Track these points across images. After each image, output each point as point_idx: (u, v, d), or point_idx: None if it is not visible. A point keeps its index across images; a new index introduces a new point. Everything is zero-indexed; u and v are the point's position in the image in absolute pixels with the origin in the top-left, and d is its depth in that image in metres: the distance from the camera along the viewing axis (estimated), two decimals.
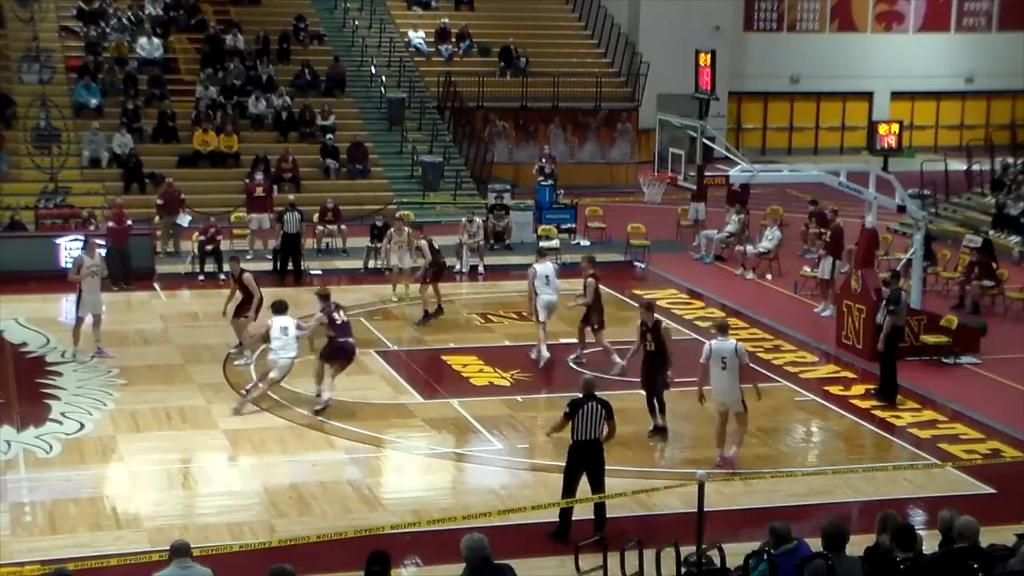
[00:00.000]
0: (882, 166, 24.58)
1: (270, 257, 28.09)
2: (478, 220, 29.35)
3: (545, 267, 21.87)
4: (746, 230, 29.81)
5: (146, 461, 17.12)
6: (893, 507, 13.27)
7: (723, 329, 17.44)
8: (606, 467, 14.95)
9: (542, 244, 26.05)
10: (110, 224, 27.03)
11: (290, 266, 27.52)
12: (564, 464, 14.90)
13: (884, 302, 20.25)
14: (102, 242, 25.88)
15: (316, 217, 29.37)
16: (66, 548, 14.12)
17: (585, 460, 14.78)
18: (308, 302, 25.39)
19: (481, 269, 28.54)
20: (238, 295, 21.28)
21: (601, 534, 13.98)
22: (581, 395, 14.95)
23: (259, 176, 30.37)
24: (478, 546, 10.09)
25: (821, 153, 47.06)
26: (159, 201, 29.60)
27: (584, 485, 14.78)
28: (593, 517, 14.79)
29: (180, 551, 10.69)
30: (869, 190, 23.06)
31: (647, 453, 17.79)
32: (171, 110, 34.68)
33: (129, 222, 27.32)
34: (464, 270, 28.60)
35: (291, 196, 30.01)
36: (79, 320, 21.64)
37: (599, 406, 14.83)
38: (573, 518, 14.79)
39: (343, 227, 29.89)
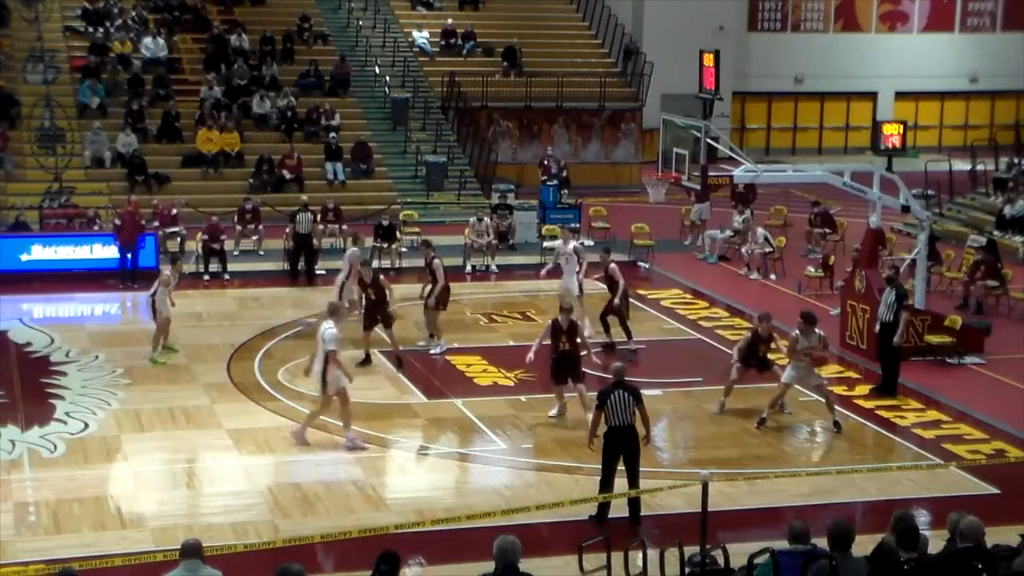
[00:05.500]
0: (886, 166, 24.48)
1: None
2: (487, 220, 29.40)
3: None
4: (750, 230, 29.79)
5: (150, 461, 17.14)
6: (897, 507, 13.27)
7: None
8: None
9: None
10: (116, 223, 27.12)
11: (302, 266, 27.49)
12: (569, 463, 14.94)
13: (895, 299, 20.29)
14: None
15: (318, 217, 29.39)
16: (70, 548, 14.12)
17: (621, 445, 15.02)
18: (320, 303, 25.46)
19: (494, 268, 28.61)
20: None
21: (638, 528, 14.37)
22: (611, 384, 15.24)
23: (249, 205, 30.12)
24: (509, 549, 9.79)
25: (825, 153, 47.04)
26: (155, 223, 29.29)
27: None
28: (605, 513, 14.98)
29: (190, 551, 10.41)
30: (873, 190, 23.06)
31: (651, 453, 17.76)
32: (175, 110, 34.71)
33: (143, 222, 27.39)
34: (468, 270, 28.66)
35: (304, 197, 30.03)
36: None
37: (627, 393, 15.05)
38: (575, 518, 14.86)
39: (345, 227, 29.91)
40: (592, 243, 31.17)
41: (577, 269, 22.97)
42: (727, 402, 19.23)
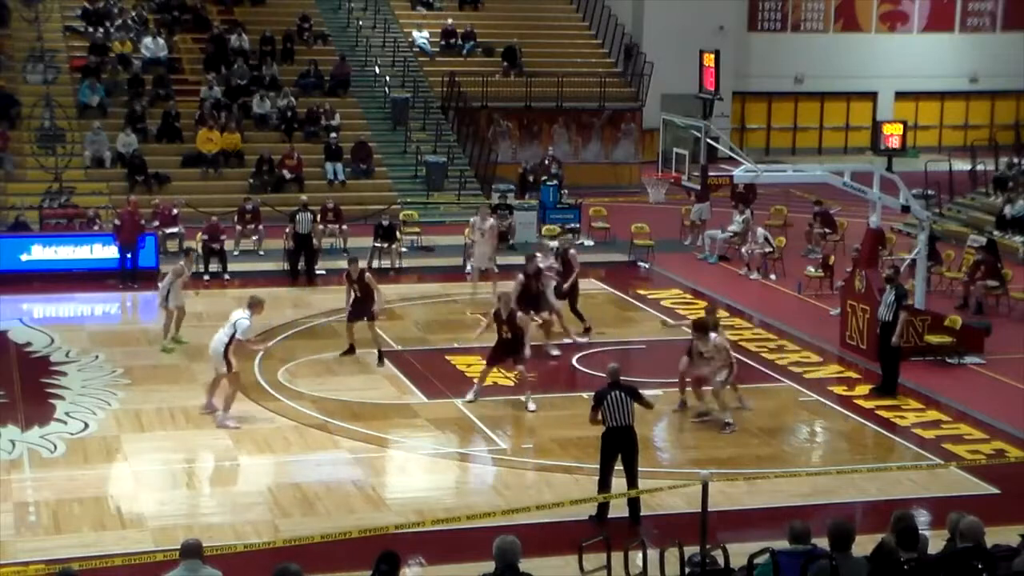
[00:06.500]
0: (886, 166, 24.49)
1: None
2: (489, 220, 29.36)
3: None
4: (750, 230, 29.78)
5: (150, 461, 17.14)
6: (897, 507, 13.27)
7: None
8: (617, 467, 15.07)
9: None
10: (116, 223, 27.10)
11: (302, 266, 27.48)
12: (572, 462, 14.97)
13: (895, 299, 20.30)
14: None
15: (317, 217, 29.36)
16: (70, 548, 14.13)
17: (619, 445, 15.06)
18: (319, 302, 25.47)
19: (494, 268, 28.57)
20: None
21: (638, 528, 14.39)
22: (607, 385, 15.25)
23: (249, 205, 30.12)
24: (509, 549, 9.78)
25: (825, 153, 47.04)
26: (155, 223, 29.25)
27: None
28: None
29: (190, 551, 10.37)
30: (873, 190, 23.06)
31: (651, 453, 17.77)
32: (175, 110, 34.70)
33: (143, 222, 27.39)
34: (468, 270, 28.63)
35: (303, 197, 30.01)
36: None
37: (624, 394, 15.07)
38: (575, 518, 14.89)
39: (344, 227, 29.91)
40: (592, 243, 31.25)
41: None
42: (686, 399, 19.28)
